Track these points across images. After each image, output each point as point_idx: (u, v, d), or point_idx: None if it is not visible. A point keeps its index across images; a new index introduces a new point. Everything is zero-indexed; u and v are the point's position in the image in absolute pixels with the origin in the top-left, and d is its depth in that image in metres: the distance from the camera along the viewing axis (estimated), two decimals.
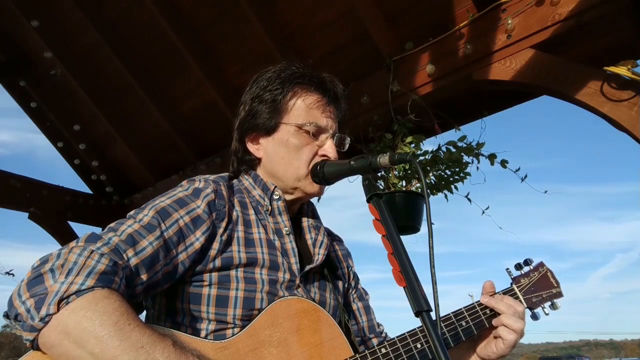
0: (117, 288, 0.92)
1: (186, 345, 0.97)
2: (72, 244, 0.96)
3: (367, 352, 1.15)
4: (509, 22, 2.32)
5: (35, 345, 0.89)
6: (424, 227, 2.70)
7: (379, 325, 1.47)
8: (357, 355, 1.15)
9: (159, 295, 1.15)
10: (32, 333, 0.86)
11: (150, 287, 1.04)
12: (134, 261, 0.98)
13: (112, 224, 1.05)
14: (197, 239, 1.09)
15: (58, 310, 0.85)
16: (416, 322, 1.23)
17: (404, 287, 0.88)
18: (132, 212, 1.10)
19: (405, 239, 2.37)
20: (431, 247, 0.89)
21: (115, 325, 0.86)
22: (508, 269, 1.43)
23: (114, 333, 0.85)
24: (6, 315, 0.90)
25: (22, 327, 0.87)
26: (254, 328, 1.08)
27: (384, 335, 1.46)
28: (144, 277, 1.00)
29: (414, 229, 2.71)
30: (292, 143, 1.25)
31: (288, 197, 1.30)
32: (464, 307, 1.32)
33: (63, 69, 3.76)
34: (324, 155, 1.26)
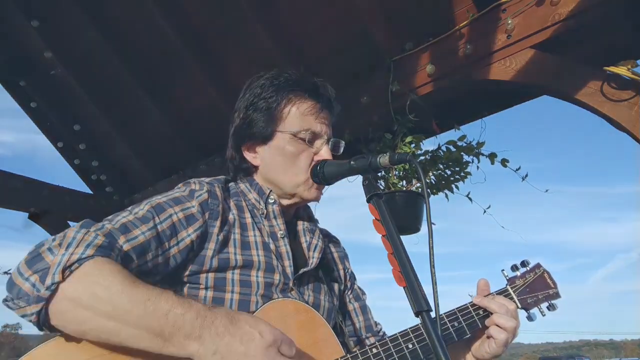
0: (115, 259, 0.96)
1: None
2: (67, 229, 0.99)
3: (358, 352, 1.16)
4: (509, 22, 2.32)
5: (42, 319, 0.90)
6: (424, 227, 2.70)
7: (376, 324, 1.47)
8: (348, 356, 1.15)
9: None
10: (38, 304, 0.89)
11: (139, 275, 1.05)
12: (125, 247, 1.02)
13: (108, 217, 1.10)
14: (188, 235, 1.12)
15: (63, 278, 0.89)
16: (416, 323, 1.23)
17: (404, 287, 0.88)
18: (129, 207, 1.15)
19: (405, 239, 2.37)
20: (431, 247, 0.89)
21: (122, 284, 0.91)
22: (503, 270, 1.42)
23: (122, 290, 0.90)
24: (5, 299, 0.92)
25: (28, 300, 0.89)
26: None
27: (381, 334, 1.46)
28: (134, 264, 1.03)
29: (414, 229, 2.71)
30: (288, 151, 1.27)
31: (285, 202, 1.32)
32: (457, 308, 1.32)
33: (63, 69, 3.76)
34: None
